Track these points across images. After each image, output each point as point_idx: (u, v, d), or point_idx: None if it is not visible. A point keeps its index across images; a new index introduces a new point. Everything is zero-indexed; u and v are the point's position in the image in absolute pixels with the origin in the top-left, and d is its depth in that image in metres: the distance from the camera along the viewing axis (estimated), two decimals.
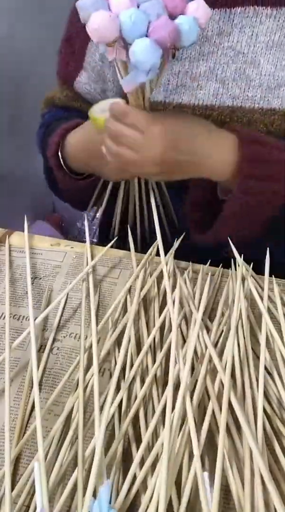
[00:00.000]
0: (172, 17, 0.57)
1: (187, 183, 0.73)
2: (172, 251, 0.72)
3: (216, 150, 0.65)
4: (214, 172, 0.67)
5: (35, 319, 0.64)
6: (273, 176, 0.65)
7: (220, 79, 0.75)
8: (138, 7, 0.56)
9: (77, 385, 0.55)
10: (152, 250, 0.73)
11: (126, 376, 0.55)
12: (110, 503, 0.42)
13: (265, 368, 0.55)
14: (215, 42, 0.74)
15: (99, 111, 0.68)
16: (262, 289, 0.66)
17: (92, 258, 0.73)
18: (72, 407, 0.53)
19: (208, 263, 0.72)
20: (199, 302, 0.63)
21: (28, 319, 0.63)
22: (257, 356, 0.57)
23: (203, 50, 0.74)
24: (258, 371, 0.54)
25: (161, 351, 0.58)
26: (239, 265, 0.68)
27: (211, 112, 0.77)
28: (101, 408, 0.52)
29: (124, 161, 0.64)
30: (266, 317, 0.60)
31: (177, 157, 0.63)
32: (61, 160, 0.79)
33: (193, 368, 0.55)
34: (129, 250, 0.75)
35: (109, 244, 0.75)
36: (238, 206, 0.67)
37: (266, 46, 0.72)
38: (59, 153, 0.78)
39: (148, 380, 0.54)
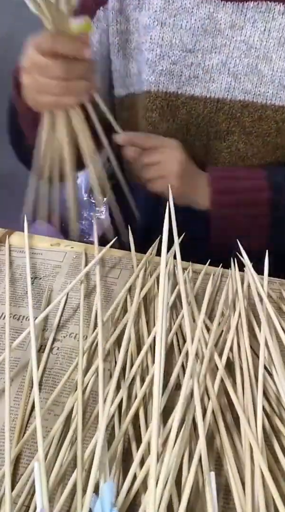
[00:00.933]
0: None
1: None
2: (172, 250, 0.72)
3: (199, 183, 0.77)
4: (197, 201, 0.77)
5: (35, 319, 0.64)
6: (242, 202, 0.75)
7: (232, 73, 0.76)
8: None
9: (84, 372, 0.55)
10: (152, 249, 0.73)
11: (126, 376, 0.55)
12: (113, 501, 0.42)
13: (265, 368, 0.55)
14: (227, 35, 0.74)
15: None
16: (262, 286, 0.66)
17: (98, 259, 0.73)
18: (72, 407, 0.53)
19: (208, 263, 0.72)
20: (199, 302, 0.63)
21: (28, 319, 0.62)
22: (256, 355, 0.57)
23: (215, 43, 0.75)
24: (258, 370, 0.54)
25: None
26: (235, 266, 0.69)
27: (223, 106, 0.77)
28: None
29: (155, 175, 0.76)
30: (265, 317, 0.60)
31: (188, 167, 0.76)
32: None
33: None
34: (128, 249, 0.75)
35: (108, 245, 0.74)
36: (218, 230, 0.77)
37: (278, 42, 0.73)
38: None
39: (148, 379, 0.54)
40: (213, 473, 0.44)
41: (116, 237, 0.77)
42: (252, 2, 0.72)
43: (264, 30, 0.73)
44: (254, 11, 0.73)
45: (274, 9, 0.72)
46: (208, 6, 0.73)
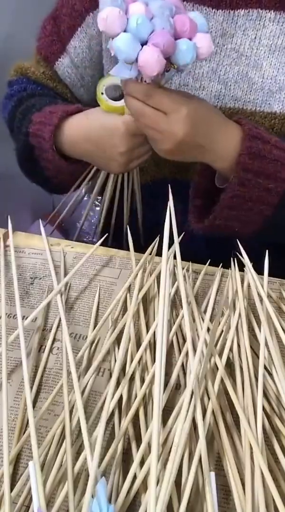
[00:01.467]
0: (178, 37, 0.59)
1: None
2: (172, 250, 0.72)
3: (224, 139, 0.67)
4: (217, 159, 0.68)
5: (35, 319, 0.64)
6: (269, 173, 0.67)
7: (223, 81, 0.75)
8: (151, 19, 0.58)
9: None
10: (151, 249, 0.73)
11: (126, 372, 0.55)
12: (110, 500, 0.42)
13: (265, 368, 0.55)
14: (218, 43, 0.74)
15: (110, 92, 0.69)
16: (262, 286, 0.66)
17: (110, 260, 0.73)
18: (72, 408, 0.53)
19: (208, 262, 0.72)
20: (199, 302, 0.63)
21: (27, 319, 0.62)
22: (256, 355, 0.57)
23: None
24: (258, 370, 0.54)
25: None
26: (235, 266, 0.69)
27: None
28: (101, 407, 0.53)
29: (151, 140, 0.68)
30: (265, 317, 0.60)
31: (195, 139, 0.64)
32: (53, 143, 0.74)
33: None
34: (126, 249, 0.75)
35: (97, 244, 0.74)
36: (234, 197, 0.67)
37: (269, 49, 0.72)
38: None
39: (148, 379, 0.54)
40: (213, 473, 0.44)
41: (105, 236, 0.77)
42: (243, 10, 0.72)
43: (255, 38, 0.73)
44: (244, 19, 0.72)
45: (265, 16, 0.71)
46: None
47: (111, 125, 0.69)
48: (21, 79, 0.88)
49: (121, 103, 0.68)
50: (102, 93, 0.71)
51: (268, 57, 0.73)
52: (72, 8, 0.81)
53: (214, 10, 0.73)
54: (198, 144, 0.65)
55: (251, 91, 0.75)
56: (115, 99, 0.71)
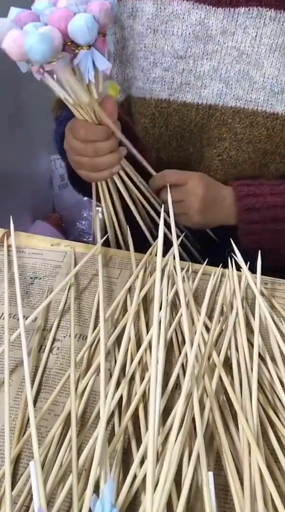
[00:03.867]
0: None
1: None
2: (172, 251, 0.72)
3: (224, 201, 0.78)
4: (226, 220, 0.79)
5: (35, 319, 0.64)
6: (272, 218, 0.77)
7: (224, 79, 0.75)
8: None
9: (77, 385, 0.55)
10: (152, 250, 0.73)
11: (125, 375, 0.56)
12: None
13: (267, 371, 0.55)
14: (219, 41, 0.74)
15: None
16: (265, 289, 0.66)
17: (110, 260, 0.73)
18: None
19: (205, 262, 0.73)
20: (198, 302, 0.63)
21: (28, 319, 0.62)
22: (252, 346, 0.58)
23: (207, 49, 0.74)
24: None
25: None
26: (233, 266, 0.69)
27: (214, 112, 0.77)
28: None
29: (179, 212, 0.76)
30: (259, 317, 0.60)
31: (212, 195, 0.77)
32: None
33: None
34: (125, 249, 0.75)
35: (98, 244, 0.74)
36: (249, 243, 0.77)
37: (269, 49, 0.72)
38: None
39: (147, 378, 0.54)
40: (211, 473, 0.44)
41: (106, 236, 0.77)
42: (243, 8, 0.72)
43: (255, 36, 0.73)
44: (245, 17, 0.72)
45: (265, 15, 0.71)
46: (199, 12, 0.73)
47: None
48: (65, 107, 0.89)
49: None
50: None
51: (268, 56, 0.73)
52: None
53: (214, 8, 0.73)
54: (215, 199, 0.77)
55: (252, 90, 0.75)
56: None
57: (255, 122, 0.76)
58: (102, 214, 0.81)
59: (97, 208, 0.82)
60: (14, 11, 0.57)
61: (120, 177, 0.76)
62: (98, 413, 0.52)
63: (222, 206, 0.78)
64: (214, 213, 0.78)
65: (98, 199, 0.80)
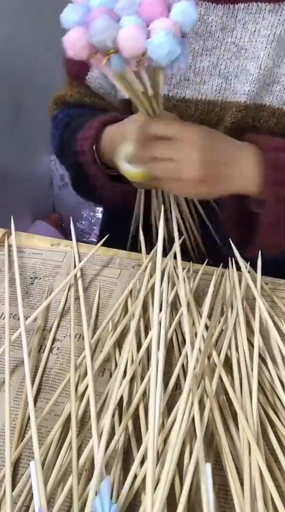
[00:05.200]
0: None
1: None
2: (172, 252, 0.72)
3: (243, 162, 0.64)
4: (244, 183, 0.64)
5: (35, 319, 0.64)
6: None
7: (223, 75, 0.75)
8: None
9: (77, 385, 0.55)
10: (154, 251, 0.73)
11: (126, 375, 0.56)
12: (111, 498, 0.42)
13: (267, 371, 0.55)
14: (218, 37, 0.74)
15: (128, 162, 0.65)
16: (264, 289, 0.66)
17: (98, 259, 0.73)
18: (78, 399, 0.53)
19: (205, 262, 0.73)
20: (199, 301, 0.64)
21: (29, 319, 0.62)
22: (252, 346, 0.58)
23: (206, 45, 0.75)
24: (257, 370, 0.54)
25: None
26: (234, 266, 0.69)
27: (214, 108, 0.77)
28: (102, 407, 0.53)
29: (169, 176, 0.62)
30: (259, 317, 0.60)
31: (215, 155, 0.62)
32: (95, 154, 0.73)
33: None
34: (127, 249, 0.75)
35: (99, 244, 0.74)
36: (273, 215, 0.65)
37: (266, 40, 0.72)
38: (94, 147, 0.74)
39: (146, 378, 0.54)
40: (209, 464, 0.44)
41: (107, 236, 0.77)
42: (242, 3, 0.72)
43: (254, 31, 0.73)
44: (244, 12, 0.72)
45: (265, 9, 0.72)
46: (199, 9, 0.73)
47: (127, 135, 0.67)
48: (62, 108, 0.89)
49: (139, 169, 0.64)
50: (122, 162, 0.66)
51: (265, 47, 0.73)
52: None
53: (214, 4, 0.73)
54: (220, 161, 0.62)
55: (247, 82, 0.75)
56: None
57: (244, 115, 0.75)
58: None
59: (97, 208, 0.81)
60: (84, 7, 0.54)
61: None
62: (98, 413, 0.52)
63: (237, 164, 0.63)
64: (225, 175, 0.63)
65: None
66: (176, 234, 0.66)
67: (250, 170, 0.63)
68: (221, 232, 0.80)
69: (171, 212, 0.77)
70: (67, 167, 0.85)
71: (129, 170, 0.65)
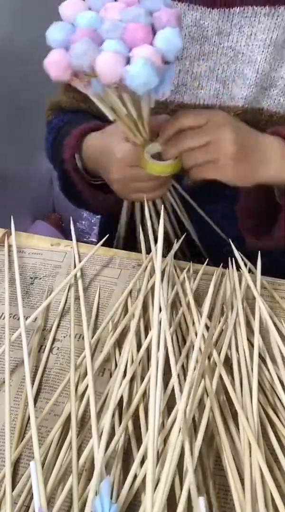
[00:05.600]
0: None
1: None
2: (172, 251, 0.72)
3: (269, 150, 0.66)
4: (272, 172, 0.66)
5: (35, 320, 0.64)
6: None
7: (221, 79, 0.75)
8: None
9: (77, 385, 0.55)
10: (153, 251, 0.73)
11: (126, 373, 0.56)
12: (111, 498, 0.42)
13: (267, 371, 0.55)
14: (215, 41, 0.74)
15: (150, 155, 0.65)
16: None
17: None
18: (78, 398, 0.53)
19: (206, 262, 0.73)
20: (199, 302, 0.63)
21: (29, 319, 0.62)
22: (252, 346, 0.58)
23: (203, 50, 0.74)
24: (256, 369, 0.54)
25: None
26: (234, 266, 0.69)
27: None
28: (101, 408, 0.53)
29: (207, 159, 0.62)
30: (259, 317, 0.60)
31: (245, 140, 0.63)
32: (79, 163, 0.77)
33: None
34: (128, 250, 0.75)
35: (99, 244, 0.74)
36: None
37: (263, 44, 0.72)
38: (76, 155, 0.76)
39: (146, 377, 0.54)
40: (202, 499, 0.42)
41: (107, 236, 0.77)
42: (238, 7, 0.72)
43: (251, 34, 0.73)
44: (240, 16, 0.72)
45: (260, 12, 0.71)
46: (195, 14, 0.73)
47: (110, 150, 0.68)
48: (57, 113, 0.89)
49: (168, 162, 0.64)
50: (151, 161, 0.65)
51: (262, 51, 0.73)
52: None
53: (209, 9, 0.73)
54: (255, 141, 0.64)
55: (245, 87, 0.75)
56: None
57: (245, 119, 0.74)
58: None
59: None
60: (62, 29, 0.54)
61: None
62: (98, 413, 0.52)
63: (266, 153, 0.65)
64: (254, 161, 0.63)
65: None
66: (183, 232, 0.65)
67: (278, 159, 0.65)
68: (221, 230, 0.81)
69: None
70: (58, 174, 0.85)
71: (162, 165, 0.65)
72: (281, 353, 0.57)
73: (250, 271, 0.69)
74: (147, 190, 0.70)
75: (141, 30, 0.52)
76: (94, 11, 0.55)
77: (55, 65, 0.53)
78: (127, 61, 0.51)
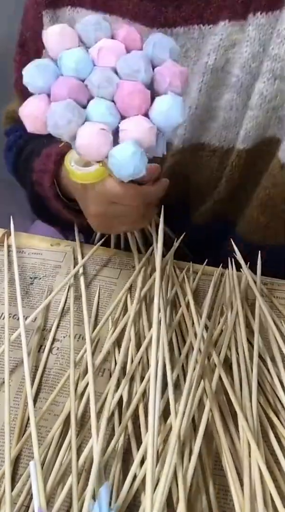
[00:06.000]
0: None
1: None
2: (172, 251, 0.72)
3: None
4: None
5: (34, 320, 0.64)
6: None
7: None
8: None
9: (77, 385, 0.55)
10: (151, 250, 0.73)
11: (126, 372, 0.56)
12: (110, 504, 0.42)
13: (267, 371, 0.55)
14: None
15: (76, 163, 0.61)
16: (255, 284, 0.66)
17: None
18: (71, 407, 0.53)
19: (205, 262, 0.73)
20: (198, 302, 0.63)
21: (28, 319, 0.62)
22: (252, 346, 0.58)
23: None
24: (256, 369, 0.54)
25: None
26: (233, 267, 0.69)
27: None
28: (101, 408, 0.53)
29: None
30: (260, 317, 0.60)
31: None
32: (57, 189, 0.70)
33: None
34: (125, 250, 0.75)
35: (98, 244, 0.74)
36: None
37: (204, 69, 0.63)
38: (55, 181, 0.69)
39: (146, 377, 0.54)
40: None
41: (106, 236, 0.76)
42: (182, 27, 0.63)
43: (197, 60, 0.64)
44: (185, 38, 0.63)
45: (207, 31, 0.62)
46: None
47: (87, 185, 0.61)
48: (13, 126, 0.84)
49: (93, 167, 0.59)
50: (71, 165, 0.61)
51: (201, 80, 0.63)
52: (33, 30, 0.75)
53: (148, 28, 0.64)
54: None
55: (184, 122, 0.66)
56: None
57: (183, 156, 0.69)
58: None
59: None
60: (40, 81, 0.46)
61: None
62: (98, 413, 0.52)
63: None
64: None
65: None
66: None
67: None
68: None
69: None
70: (28, 196, 0.80)
71: (83, 172, 0.60)
72: (281, 353, 0.57)
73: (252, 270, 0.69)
74: (130, 222, 0.65)
75: (138, 96, 0.44)
76: (86, 44, 0.48)
77: (32, 119, 0.47)
78: (111, 138, 0.44)
